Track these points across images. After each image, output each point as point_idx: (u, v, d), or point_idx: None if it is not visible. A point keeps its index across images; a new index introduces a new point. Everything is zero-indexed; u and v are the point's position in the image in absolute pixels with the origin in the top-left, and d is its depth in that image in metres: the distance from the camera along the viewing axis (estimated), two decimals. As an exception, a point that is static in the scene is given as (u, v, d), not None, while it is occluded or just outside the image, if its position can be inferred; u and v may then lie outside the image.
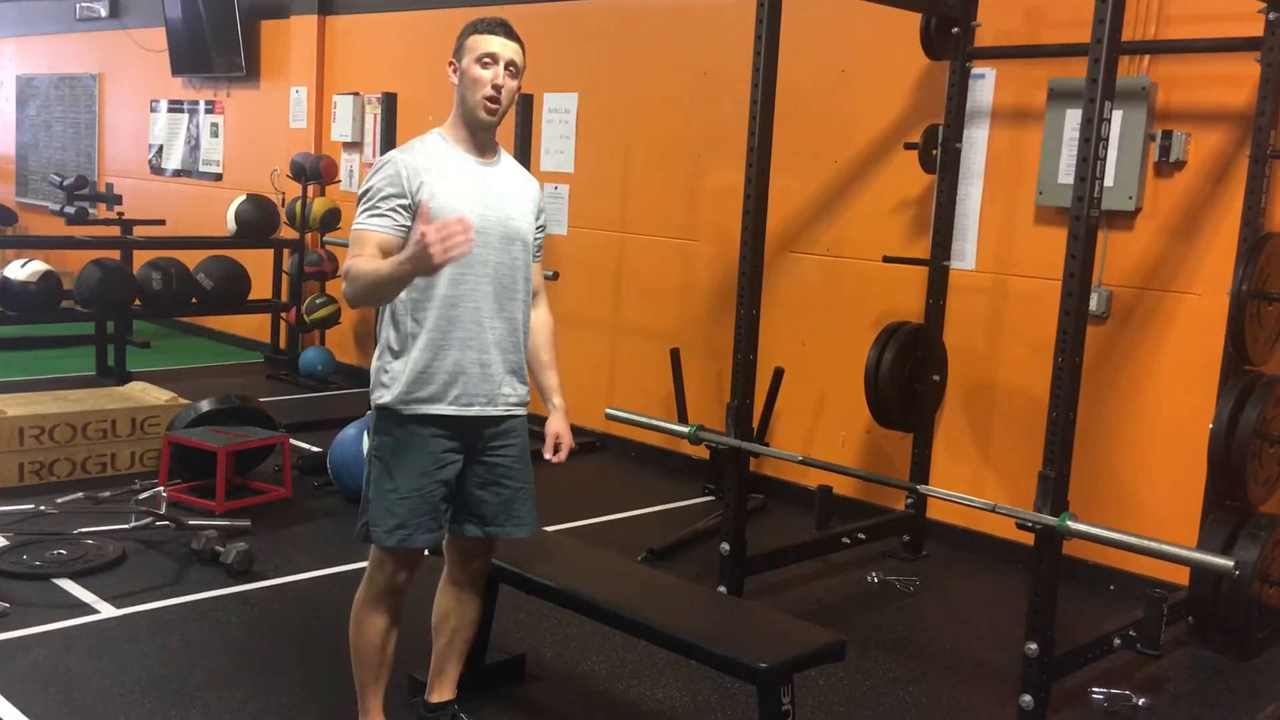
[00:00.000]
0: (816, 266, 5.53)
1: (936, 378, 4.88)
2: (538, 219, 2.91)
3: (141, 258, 7.48)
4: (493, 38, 2.72)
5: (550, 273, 5.34)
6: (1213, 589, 3.90)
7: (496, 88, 2.71)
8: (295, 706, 3.25)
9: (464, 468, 2.82)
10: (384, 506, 2.75)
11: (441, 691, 3.05)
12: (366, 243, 2.63)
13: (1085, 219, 3.22)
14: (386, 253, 2.60)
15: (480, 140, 2.79)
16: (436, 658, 3.06)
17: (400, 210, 2.65)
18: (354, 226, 2.68)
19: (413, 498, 2.73)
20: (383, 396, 2.76)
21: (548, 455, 2.95)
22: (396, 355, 2.75)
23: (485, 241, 2.71)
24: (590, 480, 5.80)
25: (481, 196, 2.74)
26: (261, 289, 7.97)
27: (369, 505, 2.78)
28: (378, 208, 2.65)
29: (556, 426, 2.97)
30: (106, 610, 3.83)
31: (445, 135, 2.79)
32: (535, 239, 2.90)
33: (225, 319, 8.82)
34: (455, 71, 2.76)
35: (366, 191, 2.68)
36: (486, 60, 2.70)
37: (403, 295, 2.68)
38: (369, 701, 2.93)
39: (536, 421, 2.87)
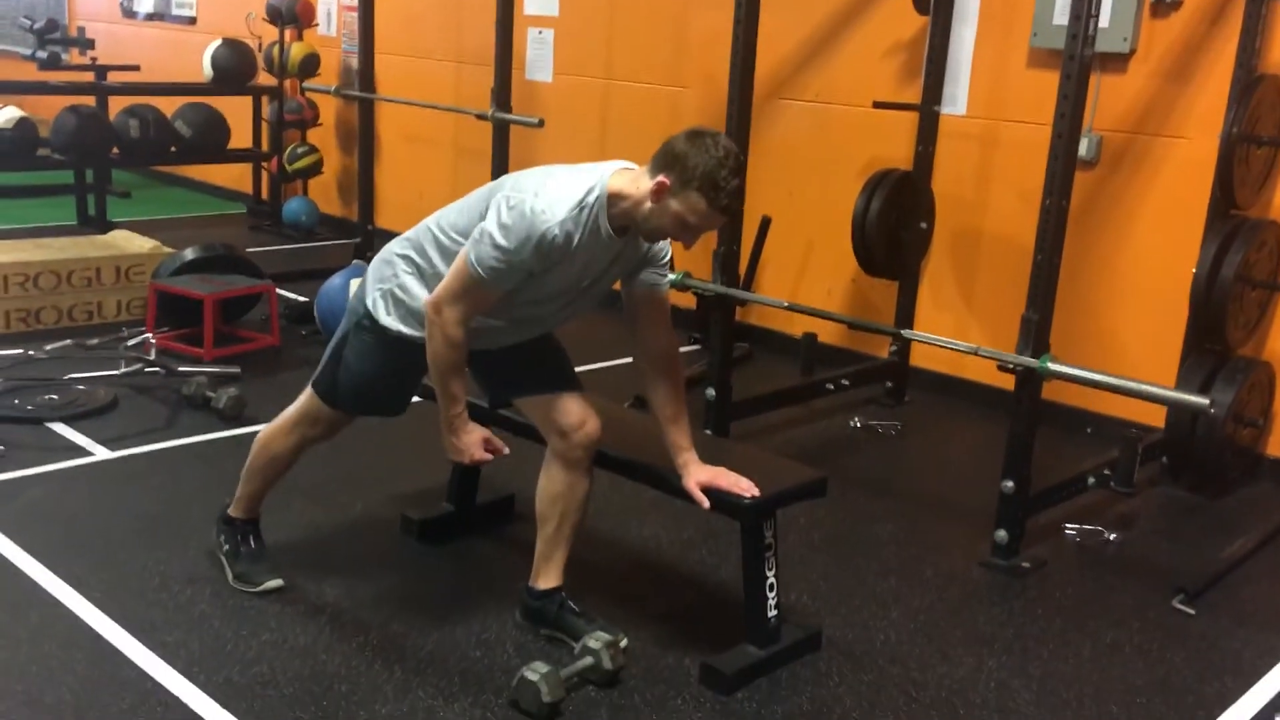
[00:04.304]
0: (805, 113, 5.46)
1: (924, 225, 4.87)
2: (659, 261, 2.68)
3: (117, 105, 7.32)
4: (720, 216, 2.47)
5: (535, 120, 5.25)
6: (1187, 430, 3.99)
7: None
8: (293, 543, 3.32)
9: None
10: (354, 391, 2.82)
11: (548, 578, 2.88)
12: (479, 293, 2.51)
13: (1079, 58, 3.17)
14: (489, 301, 2.54)
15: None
16: (544, 543, 2.87)
17: (521, 276, 2.50)
18: (474, 260, 2.47)
19: (389, 386, 2.84)
20: (386, 319, 2.70)
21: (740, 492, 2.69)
22: (420, 291, 2.67)
23: (552, 297, 2.63)
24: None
25: (589, 269, 2.58)
26: (241, 139, 7.84)
27: (337, 384, 2.82)
28: (506, 265, 2.46)
29: (704, 477, 2.69)
30: (101, 453, 3.88)
31: (611, 207, 2.48)
32: (660, 266, 2.69)
33: (205, 169, 8.69)
34: (663, 193, 2.44)
35: (504, 247, 2.43)
36: (698, 227, 2.48)
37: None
38: (259, 504, 3.12)
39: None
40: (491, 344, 2.74)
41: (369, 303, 2.74)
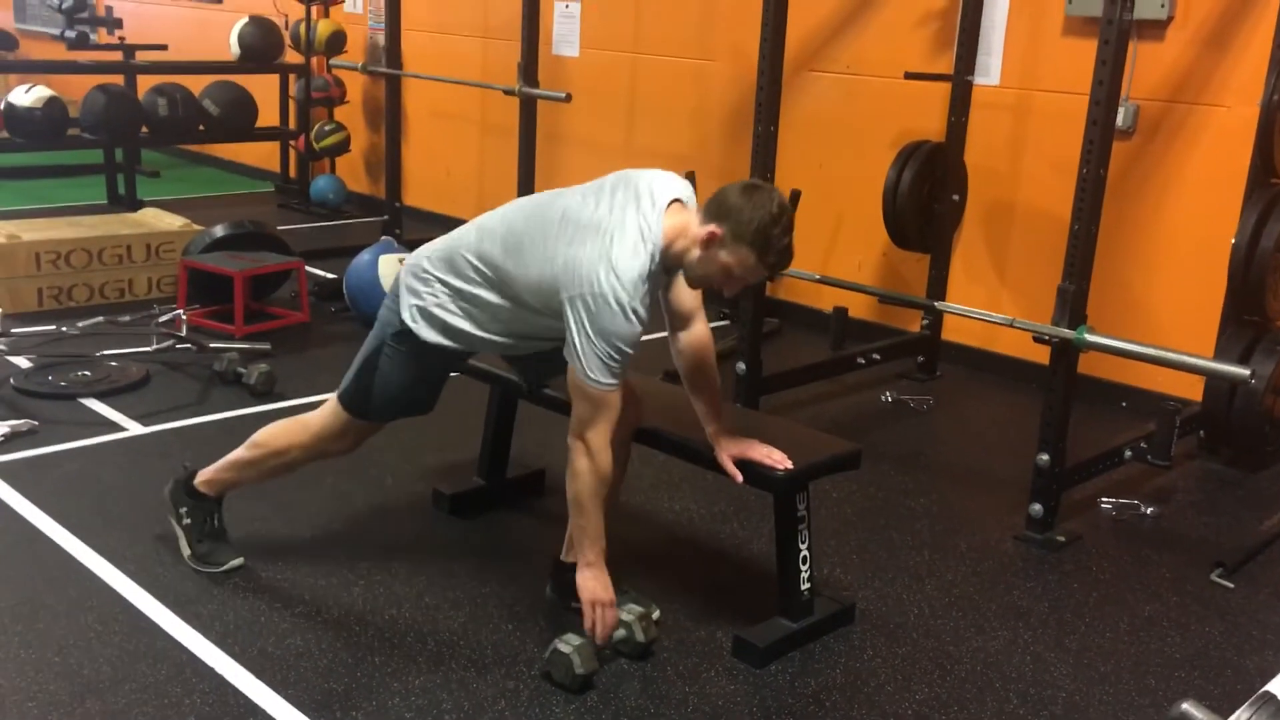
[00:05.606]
0: (836, 85, 5.40)
1: (956, 197, 4.82)
2: None
3: (145, 84, 7.34)
4: (766, 273, 2.52)
5: (563, 94, 5.21)
6: (1225, 402, 3.93)
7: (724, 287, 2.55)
8: (325, 516, 3.34)
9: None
10: (389, 399, 2.82)
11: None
12: (611, 399, 2.50)
13: (1118, 22, 3.12)
14: (620, 400, 2.55)
15: None
16: None
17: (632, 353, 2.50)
18: (594, 378, 2.45)
19: (423, 390, 2.86)
20: (427, 334, 2.70)
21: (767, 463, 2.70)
22: (458, 315, 2.68)
23: None
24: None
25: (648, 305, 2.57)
26: (269, 117, 7.85)
27: (370, 396, 2.79)
28: (621, 362, 2.46)
29: (736, 449, 2.71)
30: (135, 428, 3.90)
31: (665, 254, 2.48)
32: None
33: (233, 148, 8.71)
34: (714, 242, 2.43)
35: (613, 353, 2.43)
36: (742, 279, 2.51)
37: (493, 301, 2.64)
38: (240, 488, 3.08)
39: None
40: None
41: (406, 317, 2.73)
